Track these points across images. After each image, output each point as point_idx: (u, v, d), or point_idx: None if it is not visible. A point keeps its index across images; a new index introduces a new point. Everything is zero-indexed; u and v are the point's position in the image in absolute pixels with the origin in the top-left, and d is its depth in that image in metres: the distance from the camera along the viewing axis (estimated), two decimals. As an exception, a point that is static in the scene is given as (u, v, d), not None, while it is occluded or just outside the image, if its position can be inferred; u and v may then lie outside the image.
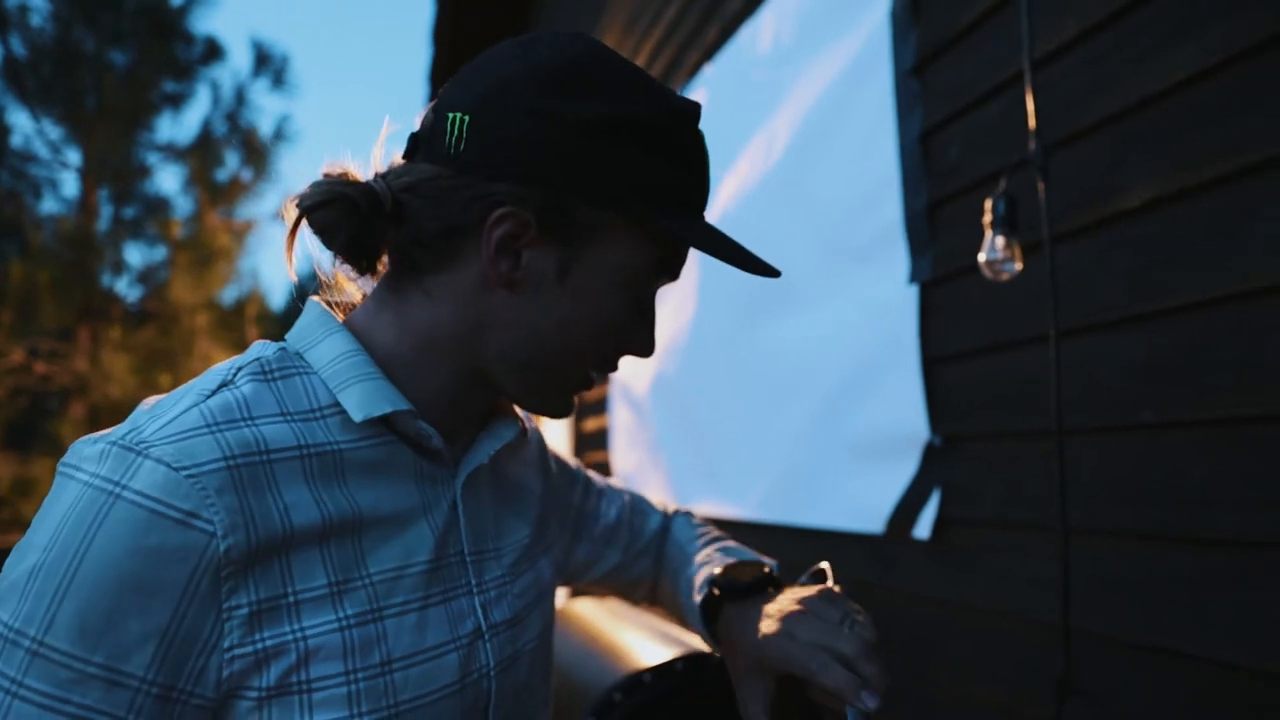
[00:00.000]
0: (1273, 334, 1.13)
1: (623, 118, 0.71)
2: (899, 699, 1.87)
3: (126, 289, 9.86)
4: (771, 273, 0.76)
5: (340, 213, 0.72)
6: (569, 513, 1.07)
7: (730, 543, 1.09)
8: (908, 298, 1.84)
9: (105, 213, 9.71)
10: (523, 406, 0.81)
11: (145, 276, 9.85)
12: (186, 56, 10.02)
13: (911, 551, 1.83)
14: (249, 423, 0.67)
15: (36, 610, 0.59)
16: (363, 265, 0.77)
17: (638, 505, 1.17)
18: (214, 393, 0.68)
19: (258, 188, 10.29)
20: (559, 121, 0.69)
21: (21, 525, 8.09)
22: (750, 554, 1.04)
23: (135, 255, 11.14)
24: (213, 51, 10.17)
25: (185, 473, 0.62)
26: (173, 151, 9.97)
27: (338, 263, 0.77)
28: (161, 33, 9.62)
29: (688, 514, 1.19)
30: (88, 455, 0.63)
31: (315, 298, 0.80)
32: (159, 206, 9.92)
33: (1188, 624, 1.24)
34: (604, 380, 0.81)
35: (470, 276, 0.73)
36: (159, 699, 0.61)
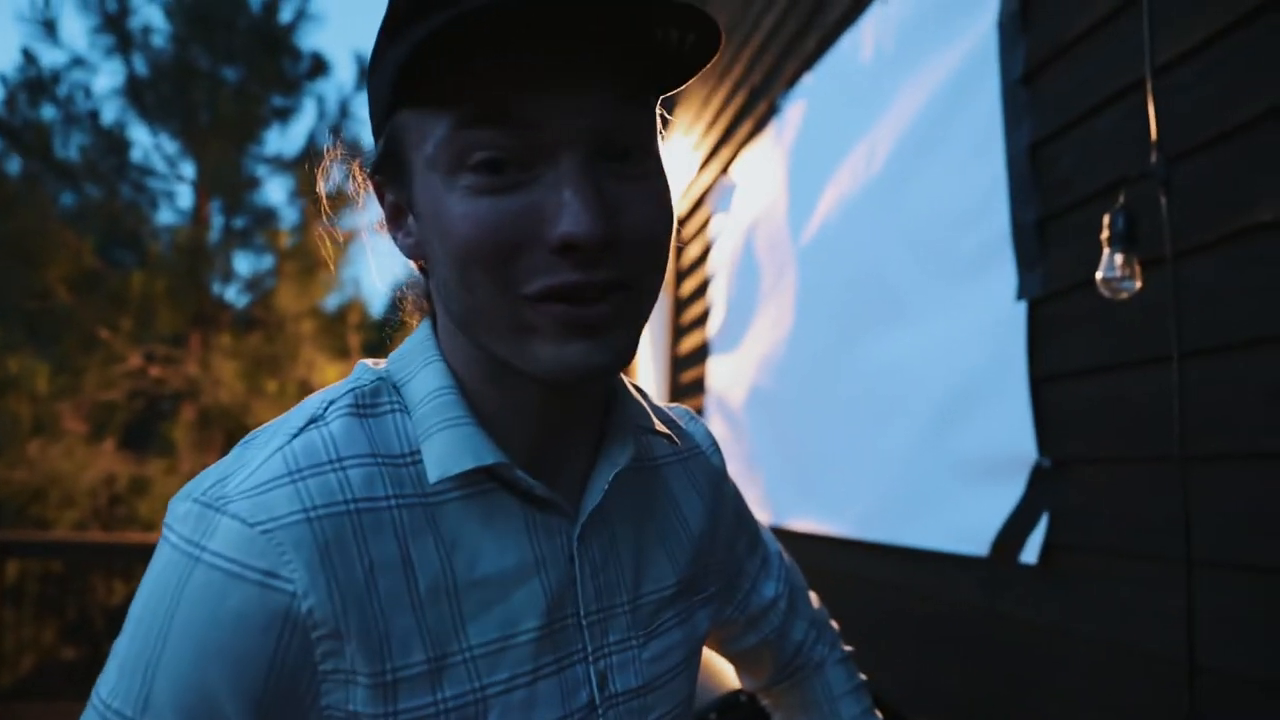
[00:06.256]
0: None
1: (380, 28, 0.61)
2: (1004, 729, 1.81)
3: (235, 296, 10.23)
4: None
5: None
6: (731, 566, 0.89)
7: None
8: (1015, 314, 1.78)
9: (217, 223, 10.09)
10: (527, 368, 0.60)
11: (253, 284, 10.20)
12: (293, 72, 10.36)
13: (1019, 577, 1.77)
14: (335, 466, 0.60)
15: (132, 688, 0.56)
16: None
17: (795, 602, 0.97)
18: (301, 431, 0.61)
19: (360, 199, 10.55)
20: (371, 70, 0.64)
21: (137, 523, 8.43)
22: None
23: (244, 264, 11.56)
24: (318, 67, 10.48)
25: (260, 528, 0.56)
26: (280, 164, 10.31)
27: None
28: (270, 49, 9.97)
29: (845, 658, 1.00)
30: (178, 515, 0.59)
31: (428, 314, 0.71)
32: (266, 217, 10.27)
33: (1325, 666, 1.16)
34: (589, 293, 0.56)
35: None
36: None
